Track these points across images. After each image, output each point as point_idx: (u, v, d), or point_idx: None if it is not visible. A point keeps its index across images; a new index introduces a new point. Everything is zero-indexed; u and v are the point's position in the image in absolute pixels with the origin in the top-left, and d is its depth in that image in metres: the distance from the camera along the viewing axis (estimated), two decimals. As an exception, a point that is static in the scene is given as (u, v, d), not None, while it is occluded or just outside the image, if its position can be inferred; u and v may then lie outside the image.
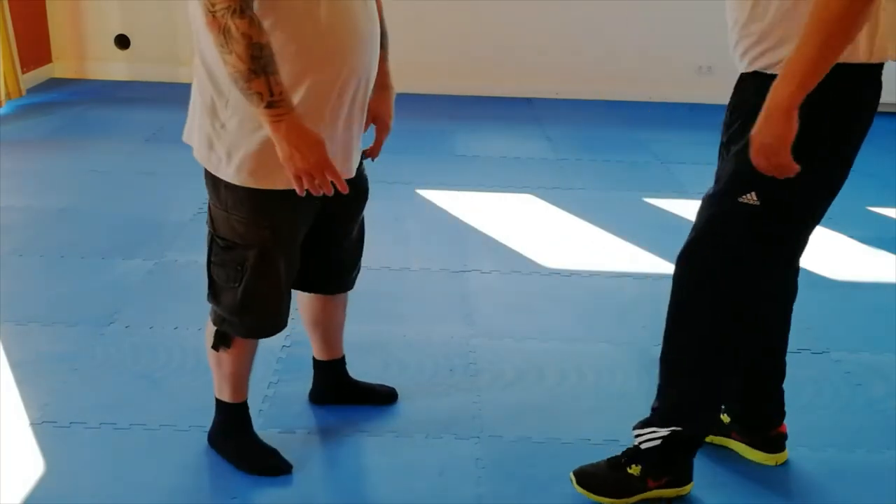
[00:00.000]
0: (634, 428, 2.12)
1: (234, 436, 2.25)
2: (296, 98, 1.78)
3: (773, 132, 1.67)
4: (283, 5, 1.74)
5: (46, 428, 2.33)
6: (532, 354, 2.79)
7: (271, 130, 1.74)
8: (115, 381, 2.57)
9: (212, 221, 2.03)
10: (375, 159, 2.16)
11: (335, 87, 1.84)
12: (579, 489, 2.12)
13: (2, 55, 5.09)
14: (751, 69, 1.82)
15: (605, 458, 2.17)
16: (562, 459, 2.26)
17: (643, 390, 2.57)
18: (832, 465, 2.30)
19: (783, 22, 1.73)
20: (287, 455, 2.25)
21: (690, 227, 1.98)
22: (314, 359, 2.47)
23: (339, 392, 2.49)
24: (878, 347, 2.89)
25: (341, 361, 2.47)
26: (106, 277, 3.21)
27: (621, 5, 5.78)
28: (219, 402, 2.23)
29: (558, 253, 3.55)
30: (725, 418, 2.32)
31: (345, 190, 1.81)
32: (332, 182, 1.80)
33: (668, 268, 2.09)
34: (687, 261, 1.98)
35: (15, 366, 2.61)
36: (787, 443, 2.30)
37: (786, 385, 2.39)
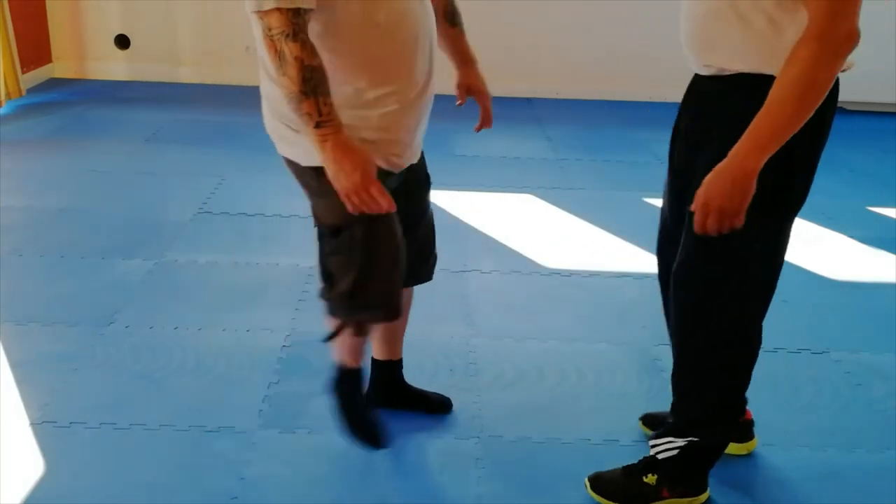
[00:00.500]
0: (650, 439, 2.12)
1: (348, 397, 2.24)
2: (378, 106, 1.87)
3: (739, 196, 1.67)
4: (342, 22, 1.80)
5: (46, 428, 2.33)
6: (532, 354, 2.79)
7: (318, 150, 1.78)
8: (115, 381, 2.57)
9: (315, 215, 2.02)
10: (490, 126, 2.30)
11: (410, 90, 1.91)
12: (593, 494, 2.11)
13: (2, 55, 5.09)
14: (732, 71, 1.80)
15: (604, 458, 2.18)
16: (562, 459, 2.26)
17: (643, 390, 2.57)
18: (832, 465, 2.30)
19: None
20: (287, 455, 2.26)
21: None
22: (373, 359, 2.43)
23: (394, 396, 2.46)
24: (878, 347, 2.89)
25: (399, 364, 2.45)
26: (106, 277, 3.21)
27: (621, 5, 5.78)
28: (340, 369, 2.23)
29: (558, 253, 3.55)
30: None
31: (390, 208, 1.83)
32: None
33: (668, 268, 2.09)
34: (684, 281, 1.97)
35: (15, 366, 2.61)
36: (788, 442, 2.30)
37: (786, 385, 2.40)
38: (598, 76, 5.96)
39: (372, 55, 1.86)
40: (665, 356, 2.42)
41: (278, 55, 1.72)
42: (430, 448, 2.33)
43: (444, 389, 2.55)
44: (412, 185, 2.10)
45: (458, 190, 4.18)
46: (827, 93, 1.64)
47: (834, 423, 2.49)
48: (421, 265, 2.25)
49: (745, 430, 2.29)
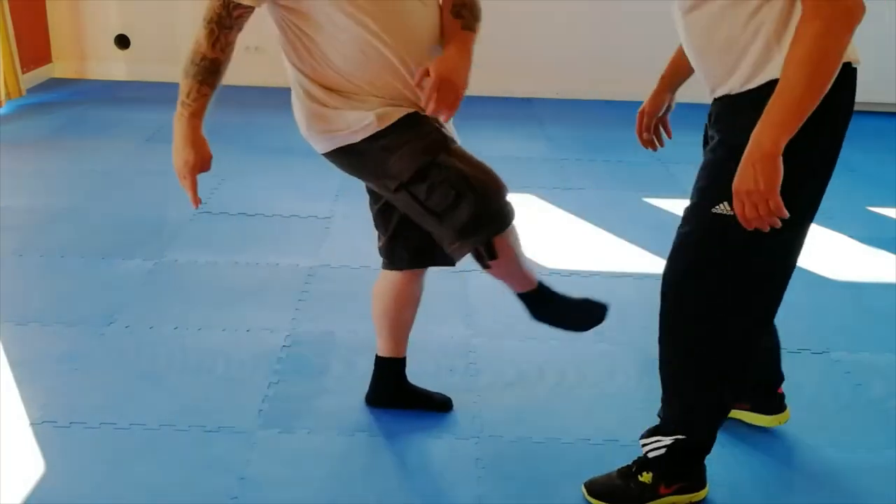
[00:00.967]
0: (641, 437, 2.12)
1: (556, 310, 2.33)
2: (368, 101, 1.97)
3: (763, 179, 1.65)
4: (336, 20, 1.90)
5: (46, 428, 2.33)
6: (532, 354, 2.79)
7: (173, 122, 1.97)
8: (115, 381, 2.57)
9: (394, 179, 2.03)
10: (430, 112, 2.20)
11: (395, 86, 1.97)
12: (592, 500, 2.11)
13: (2, 55, 5.09)
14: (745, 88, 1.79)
15: (604, 458, 2.18)
16: (562, 459, 2.26)
17: (643, 390, 2.57)
18: (832, 465, 2.30)
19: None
20: (287, 455, 2.26)
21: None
22: (377, 356, 2.44)
23: (396, 395, 2.46)
24: (878, 347, 2.89)
25: (403, 362, 2.45)
26: (106, 277, 3.21)
27: (621, 5, 5.78)
28: (534, 286, 2.26)
29: (558, 253, 3.55)
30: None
31: (194, 204, 2.12)
32: None
33: (668, 268, 2.09)
34: (671, 276, 1.96)
35: (15, 366, 2.61)
36: (788, 442, 2.30)
37: (786, 385, 2.39)
38: (598, 76, 5.96)
39: (365, 57, 1.93)
40: (665, 356, 2.42)
41: (197, 32, 1.91)
42: (430, 448, 2.33)
43: (444, 389, 2.55)
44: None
45: (458, 190, 4.17)
46: (837, 66, 1.61)
47: (834, 423, 2.49)
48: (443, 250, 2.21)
49: (778, 403, 2.35)
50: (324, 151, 2.09)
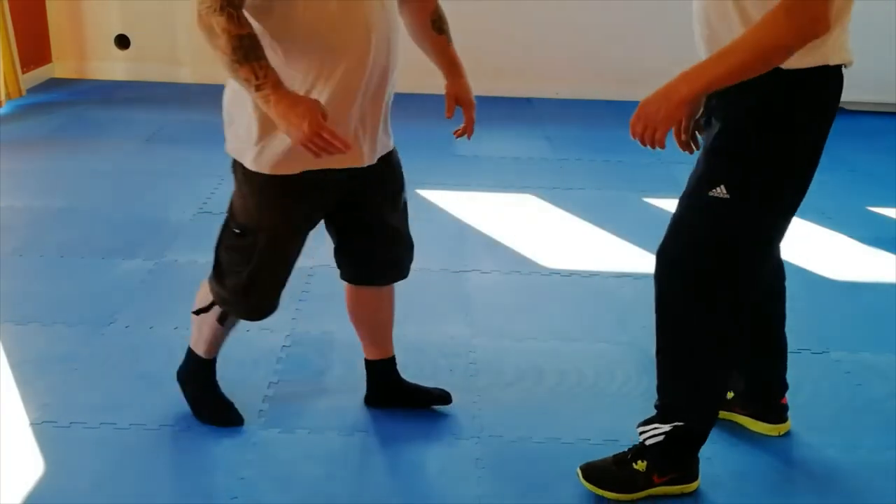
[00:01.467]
0: (639, 425, 2.14)
1: (200, 385, 2.39)
2: (313, 91, 1.91)
3: (663, 112, 1.75)
4: (296, 4, 1.85)
5: (46, 428, 2.33)
6: (532, 354, 2.79)
7: (265, 110, 1.83)
8: (115, 381, 2.57)
9: (231, 208, 2.13)
10: (471, 137, 2.32)
11: (345, 80, 1.93)
12: (585, 483, 2.14)
13: (2, 55, 5.09)
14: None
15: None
16: (562, 459, 2.26)
17: (643, 390, 2.57)
18: (832, 465, 2.30)
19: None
20: (287, 455, 2.26)
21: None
22: (365, 360, 2.46)
23: (392, 394, 2.47)
24: (878, 347, 2.89)
25: (392, 361, 2.46)
26: (106, 277, 3.21)
27: (621, 5, 5.78)
28: (192, 353, 2.37)
29: (558, 253, 3.55)
30: (729, 394, 2.36)
31: (345, 149, 1.83)
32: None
33: (668, 268, 2.09)
34: (665, 258, 2.03)
35: (15, 366, 2.61)
36: (788, 442, 2.30)
37: (786, 385, 2.40)
38: (598, 76, 5.96)
39: (319, 48, 1.90)
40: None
41: (208, 30, 1.79)
42: (430, 448, 2.33)
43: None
44: (361, 187, 2.12)
45: (458, 190, 4.18)
46: (773, 62, 1.70)
47: (834, 423, 2.49)
48: (387, 267, 2.30)
49: (779, 413, 2.36)
50: None
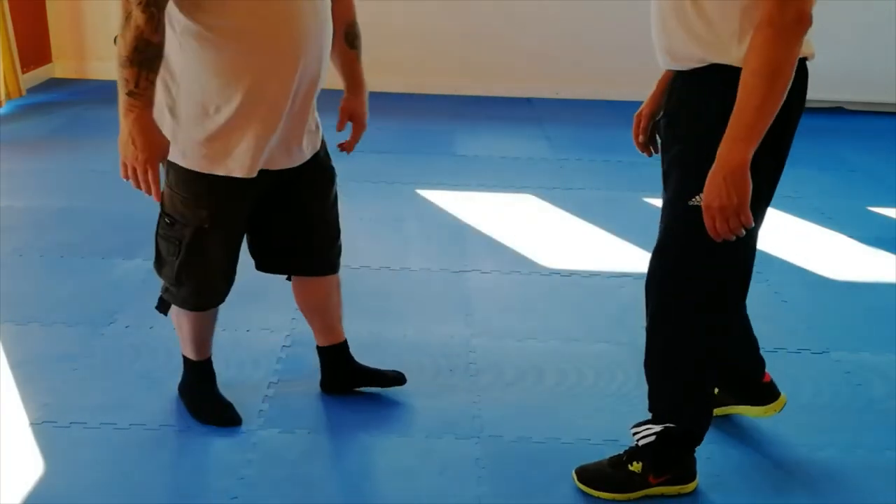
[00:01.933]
0: (632, 427, 2.14)
1: (197, 389, 2.40)
2: (239, 93, 1.92)
3: (735, 192, 1.70)
4: (228, 4, 1.86)
5: (46, 428, 2.33)
6: (532, 354, 2.79)
7: (122, 116, 1.90)
8: (115, 381, 2.57)
9: (163, 197, 2.14)
10: (350, 153, 2.33)
11: (277, 82, 1.95)
12: (581, 486, 2.14)
13: (2, 55, 5.09)
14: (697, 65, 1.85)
15: (604, 458, 2.18)
16: (562, 459, 2.26)
17: (643, 390, 2.56)
18: (832, 465, 2.30)
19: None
20: (287, 455, 2.26)
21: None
22: (317, 347, 2.48)
23: (346, 378, 2.50)
24: (878, 347, 2.89)
25: (343, 346, 2.47)
26: (106, 277, 3.21)
27: (621, 5, 5.77)
28: (184, 359, 2.39)
29: (558, 253, 3.55)
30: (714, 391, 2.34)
31: (156, 198, 2.00)
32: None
33: (668, 268, 2.09)
34: (659, 271, 2.03)
35: (15, 366, 2.61)
36: (788, 442, 2.30)
37: (786, 385, 2.40)
38: (598, 76, 5.96)
39: (248, 41, 1.91)
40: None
41: (125, 16, 1.81)
42: (430, 448, 2.33)
43: (444, 389, 2.56)
44: (291, 182, 2.15)
45: (458, 190, 4.18)
46: (791, 73, 1.67)
47: (834, 423, 2.49)
48: (321, 256, 2.32)
49: (769, 392, 2.33)
50: None
